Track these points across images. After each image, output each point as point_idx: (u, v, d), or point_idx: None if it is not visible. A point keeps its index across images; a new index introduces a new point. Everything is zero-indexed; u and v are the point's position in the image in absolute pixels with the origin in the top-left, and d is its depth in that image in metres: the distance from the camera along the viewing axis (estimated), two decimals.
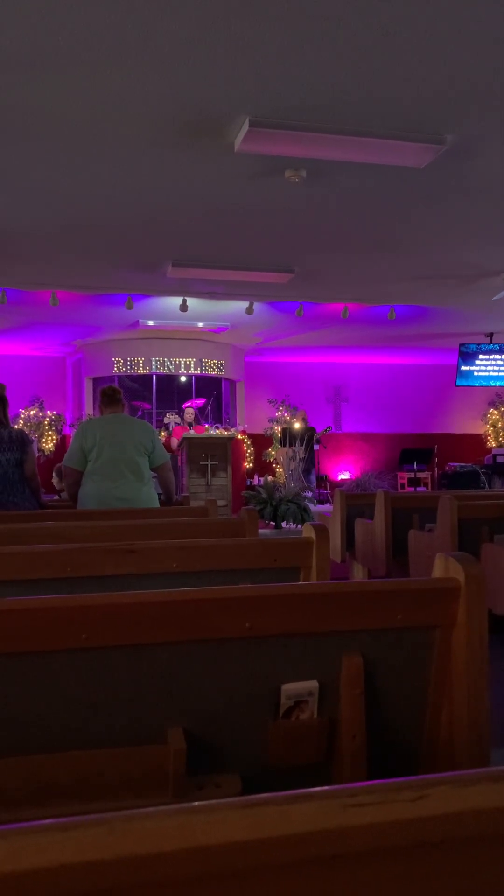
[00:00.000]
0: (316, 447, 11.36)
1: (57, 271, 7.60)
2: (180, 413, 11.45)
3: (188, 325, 10.38)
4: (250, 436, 12.37)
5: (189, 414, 10.25)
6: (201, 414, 10.80)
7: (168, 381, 11.90)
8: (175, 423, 11.00)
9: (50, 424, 11.90)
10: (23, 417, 11.67)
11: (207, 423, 10.57)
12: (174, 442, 9.64)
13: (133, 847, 0.53)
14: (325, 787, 0.60)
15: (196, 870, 0.55)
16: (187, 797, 1.18)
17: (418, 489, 11.61)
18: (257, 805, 0.57)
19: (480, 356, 11.14)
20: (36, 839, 0.52)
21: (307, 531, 1.97)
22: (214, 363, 11.72)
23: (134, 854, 0.53)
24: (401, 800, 0.59)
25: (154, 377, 11.74)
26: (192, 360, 11.53)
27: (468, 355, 11.11)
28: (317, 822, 0.57)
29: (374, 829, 0.58)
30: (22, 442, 3.94)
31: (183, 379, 11.89)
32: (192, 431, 9.70)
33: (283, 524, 7.80)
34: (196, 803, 0.57)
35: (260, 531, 2.96)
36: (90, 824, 0.54)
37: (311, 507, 8.13)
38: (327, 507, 8.86)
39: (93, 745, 1.21)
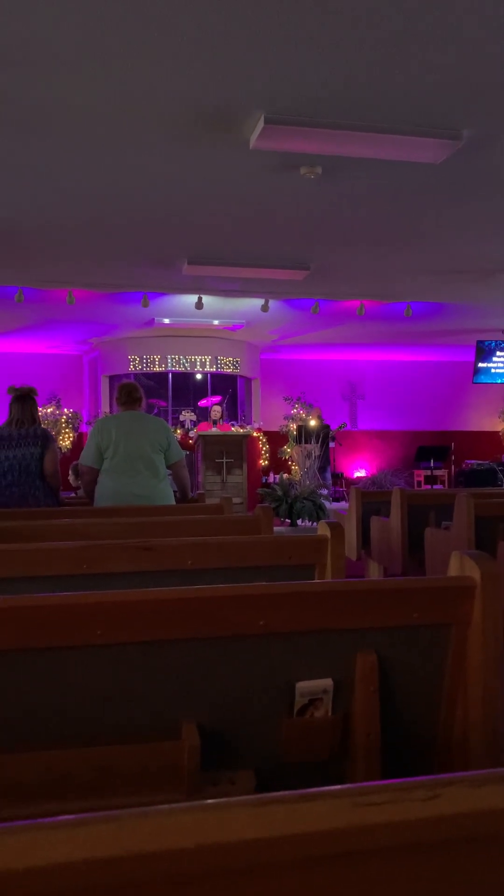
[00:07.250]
0: (331, 444, 11.34)
1: (73, 269, 7.64)
2: (196, 410, 11.47)
3: (203, 322, 10.38)
4: (266, 433, 12.36)
5: (216, 412, 10.25)
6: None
7: (184, 378, 11.92)
8: (191, 420, 11.03)
9: (67, 422, 11.96)
10: (40, 415, 11.73)
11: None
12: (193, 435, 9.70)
13: (145, 844, 0.53)
14: (337, 786, 0.59)
15: (207, 867, 0.55)
16: (201, 793, 1.19)
17: (435, 487, 11.55)
18: (269, 803, 0.57)
19: (498, 353, 11.07)
20: (48, 835, 0.52)
21: (322, 529, 1.96)
22: (230, 360, 11.71)
23: (146, 851, 0.53)
24: (413, 799, 0.59)
25: (170, 375, 11.76)
26: (208, 358, 11.54)
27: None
28: (328, 820, 0.57)
29: (387, 828, 0.58)
30: (45, 439, 4.24)
31: (198, 376, 11.90)
32: (215, 429, 9.71)
33: (299, 522, 7.80)
34: (208, 801, 0.57)
35: (275, 529, 2.96)
36: (102, 821, 0.54)
37: (327, 504, 8.12)
38: (343, 504, 8.84)
39: (108, 741, 1.21)
